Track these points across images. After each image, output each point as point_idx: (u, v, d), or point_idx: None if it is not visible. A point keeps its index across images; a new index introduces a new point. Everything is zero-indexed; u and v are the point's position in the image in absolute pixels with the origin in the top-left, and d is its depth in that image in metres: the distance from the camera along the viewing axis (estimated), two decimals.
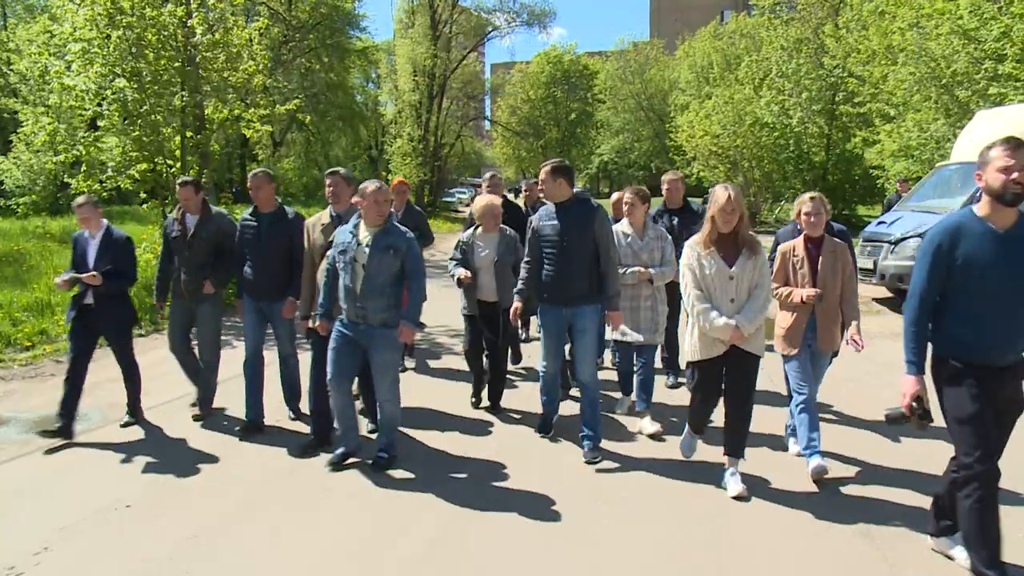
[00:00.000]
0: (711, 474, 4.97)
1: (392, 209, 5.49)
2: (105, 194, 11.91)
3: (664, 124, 47.83)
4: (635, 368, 6.18)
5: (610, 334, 5.95)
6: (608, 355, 7.13)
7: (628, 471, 5.16)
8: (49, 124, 12.06)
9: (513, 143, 62.43)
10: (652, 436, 5.77)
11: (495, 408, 6.50)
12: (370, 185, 4.96)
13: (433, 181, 39.13)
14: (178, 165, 12.00)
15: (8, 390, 7.25)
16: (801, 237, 5.11)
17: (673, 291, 5.97)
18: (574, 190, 5.43)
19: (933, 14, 16.06)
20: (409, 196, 7.71)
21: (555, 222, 5.34)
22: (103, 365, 8.18)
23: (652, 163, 52.47)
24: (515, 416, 6.39)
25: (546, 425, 5.93)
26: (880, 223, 12.46)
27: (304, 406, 6.04)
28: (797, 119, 25.66)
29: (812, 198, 5.05)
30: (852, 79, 22.22)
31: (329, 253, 5.19)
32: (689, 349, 4.69)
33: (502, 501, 4.69)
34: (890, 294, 11.99)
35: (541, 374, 5.76)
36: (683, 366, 6.67)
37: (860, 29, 22.31)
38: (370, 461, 5.19)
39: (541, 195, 7.55)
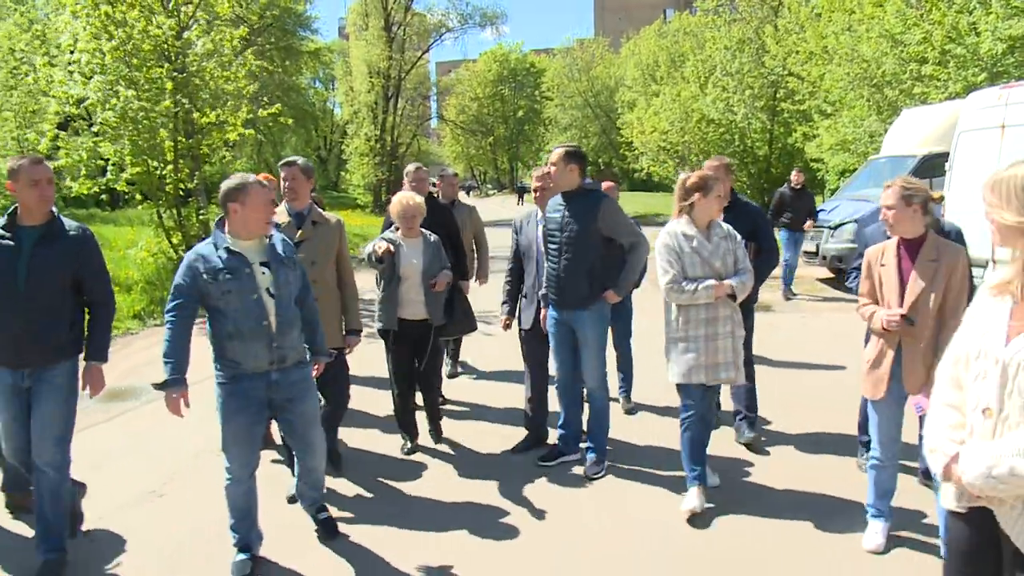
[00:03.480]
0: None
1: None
2: (104, 196, 12.55)
3: (612, 120, 49.25)
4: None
5: (672, 375, 4.46)
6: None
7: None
8: (50, 131, 12.67)
9: (462, 141, 63.57)
10: (692, 512, 4.37)
11: (439, 438, 5.61)
12: (252, 182, 3.70)
13: (391, 180, 39.85)
14: (170, 168, 12.70)
15: None
16: (894, 239, 3.80)
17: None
18: (585, 181, 4.92)
19: (864, 19, 17.51)
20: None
21: (558, 214, 4.86)
22: (150, 343, 9.04)
23: (600, 159, 53.89)
24: (462, 449, 5.50)
25: (549, 445, 5.25)
26: (821, 210, 13.76)
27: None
28: (741, 115, 27.08)
29: (888, 185, 3.75)
30: (792, 78, 23.66)
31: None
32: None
33: None
34: (831, 274, 13.31)
35: (557, 385, 5.23)
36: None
37: (798, 31, 23.80)
38: None
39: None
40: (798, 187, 11.83)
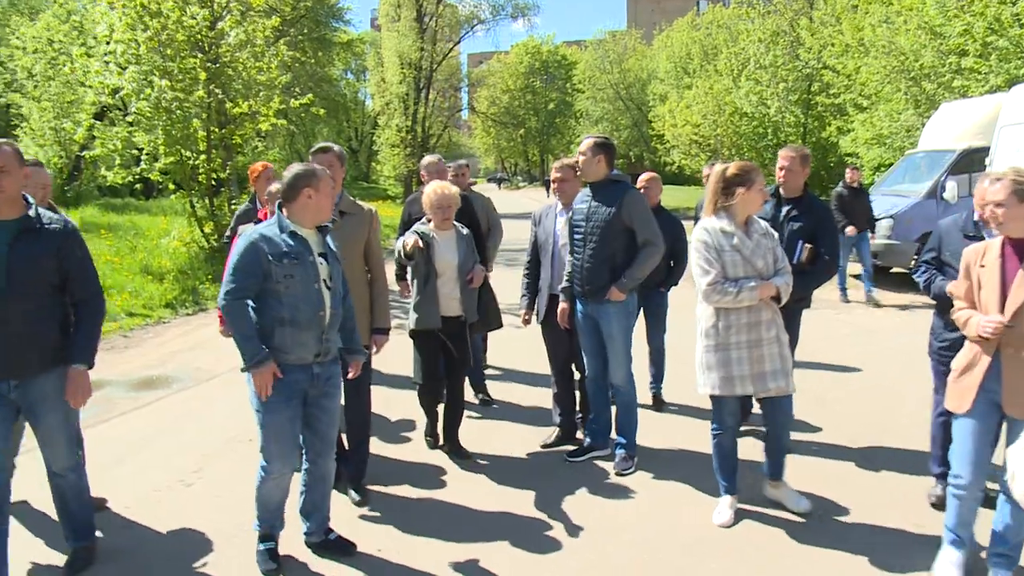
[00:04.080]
0: None
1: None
2: (138, 185, 12.74)
3: (643, 113, 48.88)
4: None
5: (703, 387, 4.15)
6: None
7: None
8: (86, 121, 12.88)
9: (493, 133, 63.46)
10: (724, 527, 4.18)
11: (456, 451, 5.21)
12: (321, 169, 3.64)
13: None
14: (203, 158, 12.84)
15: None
16: (998, 239, 3.34)
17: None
18: (613, 172, 4.85)
19: (902, 10, 17.22)
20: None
21: (584, 204, 4.82)
22: (183, 331, 9.14)
23: (631, 152, 53.55)
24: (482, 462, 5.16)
25: (578, 440, 5.26)
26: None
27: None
28: (775, 109, 26.77)
29: (996, 179, 3.31)
30: (827, 71, 23.36)
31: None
32: None
33: None
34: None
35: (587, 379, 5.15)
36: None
37: (834, 23, 23.46)
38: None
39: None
40: (854, 185, 10.89)
